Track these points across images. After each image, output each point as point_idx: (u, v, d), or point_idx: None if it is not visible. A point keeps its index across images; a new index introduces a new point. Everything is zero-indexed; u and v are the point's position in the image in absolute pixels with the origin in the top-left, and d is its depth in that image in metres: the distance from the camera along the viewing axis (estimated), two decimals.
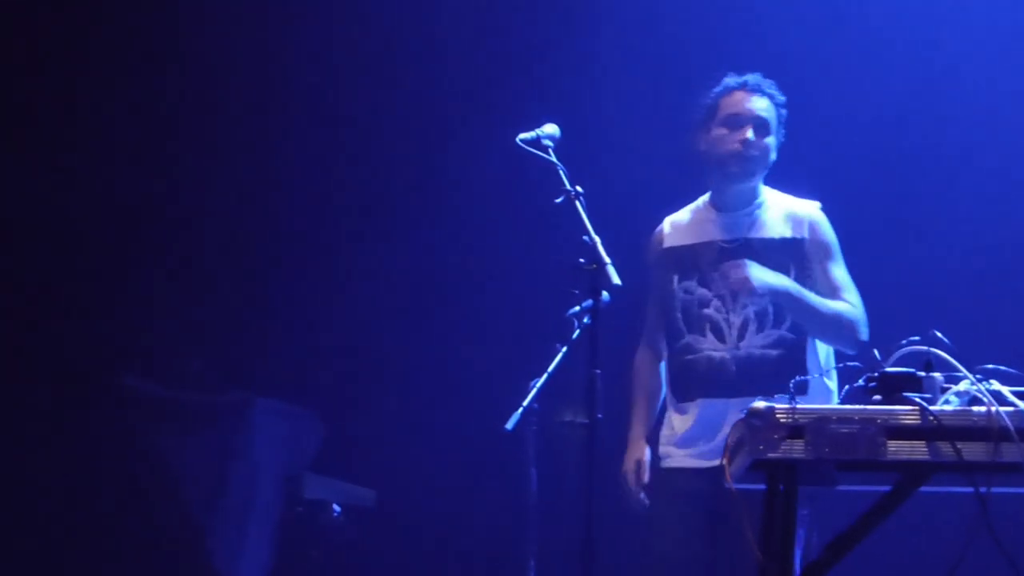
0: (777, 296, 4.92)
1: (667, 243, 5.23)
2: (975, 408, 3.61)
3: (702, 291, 5.08)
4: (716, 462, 4.64)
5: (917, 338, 3.75)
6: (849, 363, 3.77)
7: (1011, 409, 3.59)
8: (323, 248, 6.89)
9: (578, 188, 4.68)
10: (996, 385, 3.65)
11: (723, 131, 5.09)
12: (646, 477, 5.12)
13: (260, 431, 6.32)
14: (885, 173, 6.55)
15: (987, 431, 3.56)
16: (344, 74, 6.93)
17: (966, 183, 6.54)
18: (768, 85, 5.16)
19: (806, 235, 5.09)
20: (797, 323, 5.00)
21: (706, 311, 5.06)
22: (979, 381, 3.64)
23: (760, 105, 5.11)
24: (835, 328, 4.99)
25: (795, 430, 3.60)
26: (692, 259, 5.14)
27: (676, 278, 5.14)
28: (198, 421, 6.32)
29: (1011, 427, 3.55)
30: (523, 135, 4.81)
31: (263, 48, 6.92)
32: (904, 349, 3.75)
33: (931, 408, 3.59)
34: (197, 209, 6.99)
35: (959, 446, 3.57)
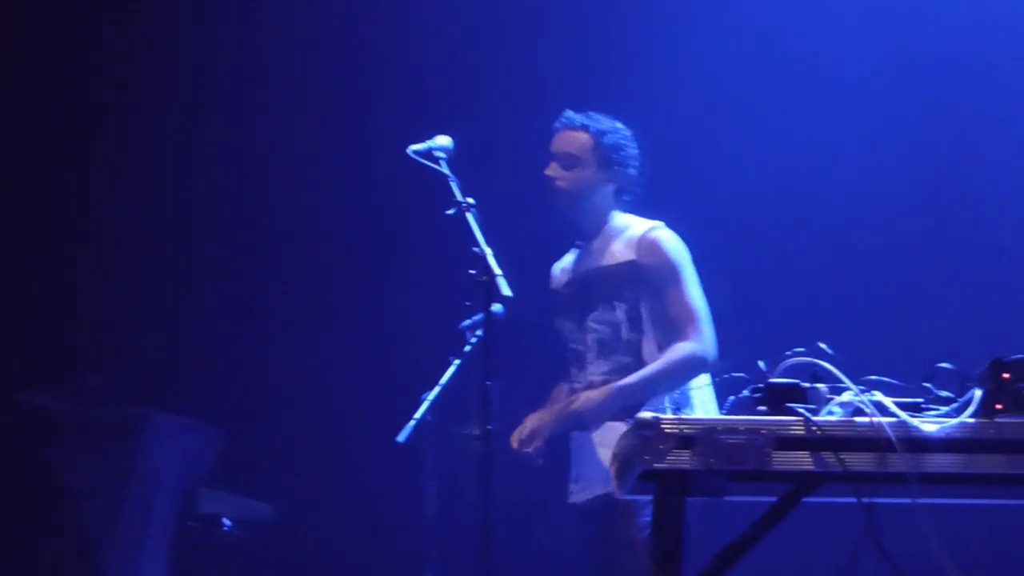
0: (615, 406, 4.93)
1: (552, 285, 5.35)
2: (859, 419, 3.65)
3: (568, 326, 5.18)
4: (585, 496, 4.99)
5: (802, 349, 3.78)
6: (735, 374, 3.79)
7: (894, 420, 3.63)
8: (217, 262, 6.83)
9: (469, 200, 4.68)
10: (879, 396, 3.69)
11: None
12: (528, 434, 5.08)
13: (157, 446, 6.26)
14: (773, 184, 6.61)
15: (871, 442, 3.60)
16: (230, 74, 6.90)
17: (854, 195, 6.61)
18: (584, 118, 5.22)
19: (638, 257, 5.11)
20: (633, 344, 5.05)
21: (573, 346, 5.15)
22: (862, 392, 3.68)
23: (566, 138, 5.19)
24: (682, 379, 5.03)
25: (683, 441, 3.62)
26: (561, 299, 5.26)
27: (560, 319, 5.24)
28: (95, 437, 6.25)
29: (893, 438, 3.59)
30: (414, 146, 4.81)
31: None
32: (789, 360, 3.77)
33: (815, 419, 3.63)
34: (93, 222, 6.92)
35: (843, 456, 3.61)
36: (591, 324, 5.06)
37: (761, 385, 3.73)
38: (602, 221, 5.18)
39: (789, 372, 3.76)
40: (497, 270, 4.48)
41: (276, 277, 6.76)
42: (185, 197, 6.94)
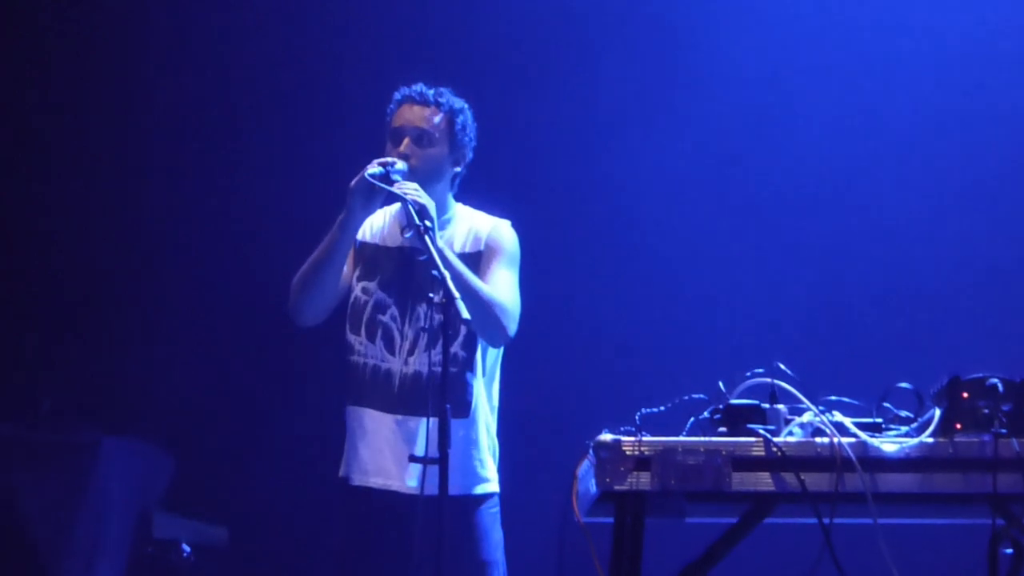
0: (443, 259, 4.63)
1: (360, 238, 5.02)
2: (818, 439, 3.66)
3: (381, 295, 4.92)
4: (372, 482, 4.81)
5: (761, 370, 3.79)
6: (695, 395, 3.80)
7: (853, 440, 3.65)
8: (167, 284, 6.80)
9: (427, 223, 4.63)
10: (838, 416, 3.71)
11: (389, 146, 4.95)
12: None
13: (109, 470, 6.21)
14: (730, 207, 6.64)
15: (830, 462, 3.62)
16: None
17: (808, 213, 6.64)
18: (438, 94, 5.00)
19: (484, 248, 4.95)
20: (469, 338, 4.87)
21: (380, 317, 4.90)
22: (822, 412, 3.70)
23: (419, 115, 4.95)
24: (486, 309, 4.77)
25: (642, 462, 3.63)
26: (377, 260, 4.97)
27: (357, 274, 4.98)
28: (47, 461, 6.20)
29: (853, 458, 3.61)
30: (371, 170, 4.75)
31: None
32: (749, 381, 3.79)
33: (775, 439, 3.64)
34: (45, 244, 6.88)
35: (803, 477, 3.63)
36: (422, 311, 4.81)
37: (721, 406, 3.75)
38: (442, 206, 4.93)
39: (749, 392, 3.78)
40: (456, 293, 4.42)
41: (229, 299, 6.72)
42: (136, 220, 6.89)
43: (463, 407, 4.90)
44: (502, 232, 5.02)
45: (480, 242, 4.99)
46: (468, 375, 4.92)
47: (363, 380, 4.92)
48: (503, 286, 4.90)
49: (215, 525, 6.47)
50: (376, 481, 4.88)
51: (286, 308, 5.06)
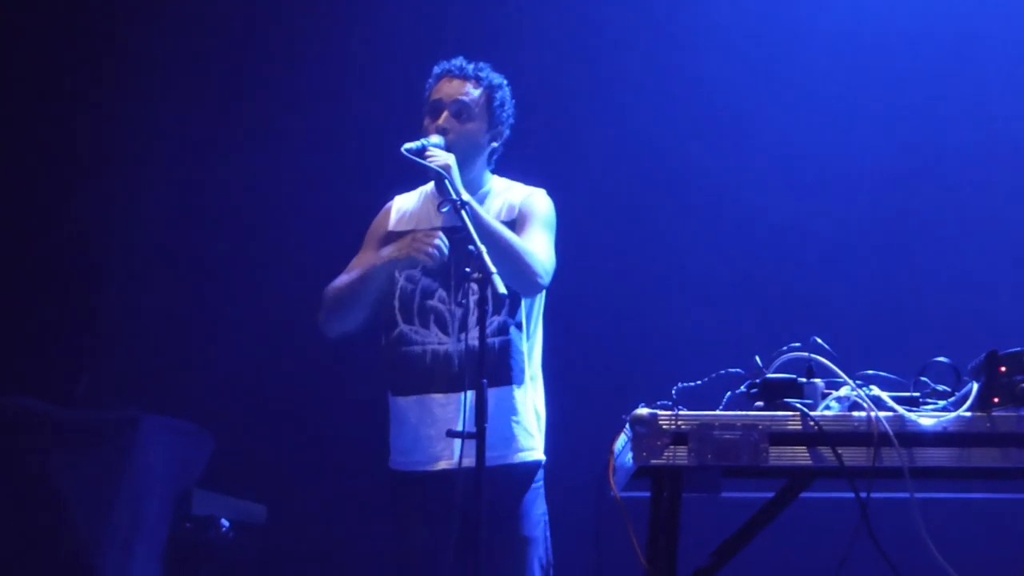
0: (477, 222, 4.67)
1: (392, 227, 5.09)
2: (855, 413, 3.66)
3: (427, 281, 4.94)
4: (453, 461, 4.70)
5: (798, 344, 3.79)
6: (731, 370, 3.79)
7: (890, 414, 3.64)
8: (206, 262, 6.83)
9: (464, 197, 4.65)
10: (876, 390, 3.70)
11: (427, 120, 4.97)
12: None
13: (148, 448, 6.22)
14: (767, 179, 6.64)
15: (867, 436, 3.61)
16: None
17: (848, 190, 6.63)
18: (477, 68, 5.03)
19: (518, 217, 4.97)
20: (514, 306, 4.90)
21: (430, 302, 4.94)
22: (859, 387, 3.69)
23: (459, 89, 4.98)
24: (520, 264, 4.79)
25: (679, 437, 3.63)
26: None
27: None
28: (85, 439, 6.21)
29: (890, 432, 3.60)
30: (408, 145, 4.75)
31: None
32: (786, 355, 3.79)
33: (812, 414, 3.63)
34: (77, 226, 6.91)
35: (840, 451, 3.62)
36: (467, 287, 4.79)
37: (757, 380, 3.75)
38: (479, 181, 5.00)
39: (785, 367, 3.77)
40: (492, 268, 4.43)
41: (270, 277, 6.75)
42: (176, 198, 6.92)
43: (518, 374, 4.92)
44: (536, 198, 5.04)
45: (514, 210, 5.01)
46: (518, 342, 4.94)
47: (425, 367, 4.94)
48: (536, 241, 4.91)
49: (254, 502, 6.50)
50: (452, 463, 4.86)
51: (316, 320, 5.09)
